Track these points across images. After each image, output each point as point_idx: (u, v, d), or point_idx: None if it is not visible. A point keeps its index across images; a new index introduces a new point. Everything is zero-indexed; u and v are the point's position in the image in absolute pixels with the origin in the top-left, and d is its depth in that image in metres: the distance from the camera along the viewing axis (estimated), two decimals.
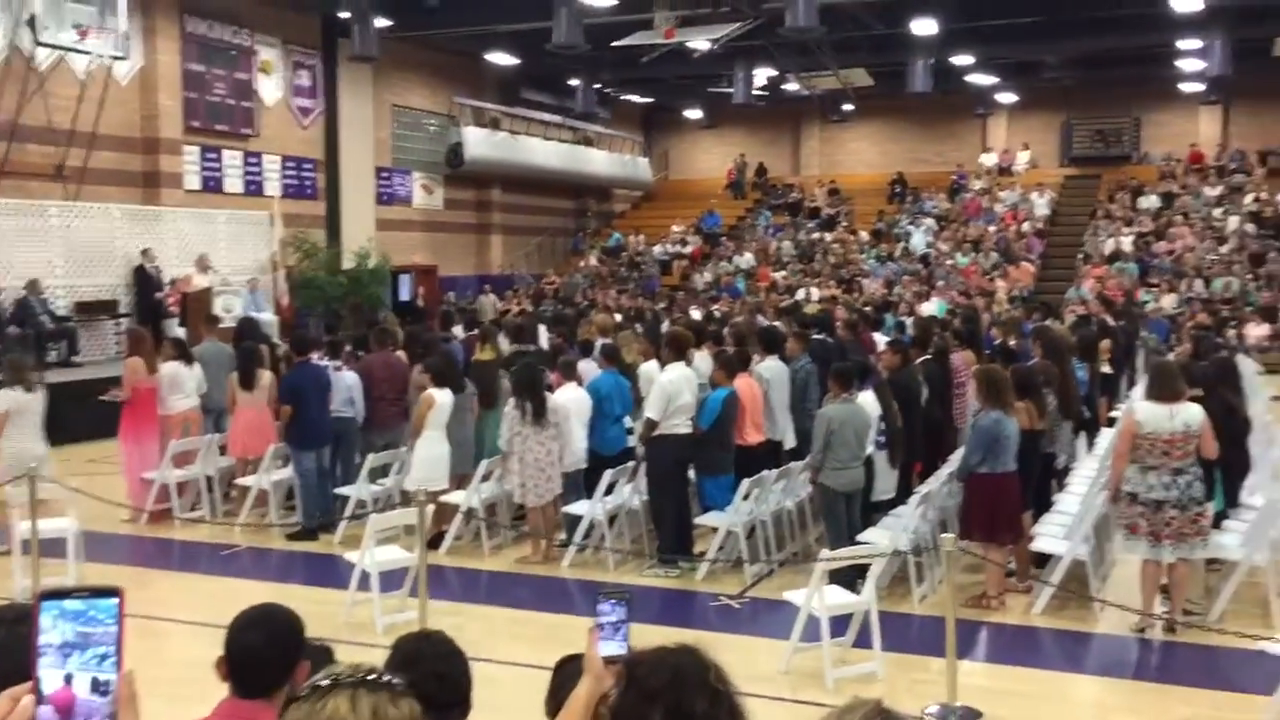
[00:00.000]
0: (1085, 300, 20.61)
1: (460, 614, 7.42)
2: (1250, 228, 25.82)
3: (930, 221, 28.68)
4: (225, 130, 20.23)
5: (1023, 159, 31.34)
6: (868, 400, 8.19)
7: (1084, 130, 31.60)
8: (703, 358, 9.82)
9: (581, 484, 9.19)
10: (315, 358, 10.04)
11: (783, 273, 27.17)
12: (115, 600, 1.27)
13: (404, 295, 23.95)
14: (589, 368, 10.18)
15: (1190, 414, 6.88)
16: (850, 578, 6.96)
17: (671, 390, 8.43)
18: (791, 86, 28.76)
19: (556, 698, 2.60)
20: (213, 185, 19.94)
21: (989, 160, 31.62)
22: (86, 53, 16.37)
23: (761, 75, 26.74)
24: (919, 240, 27.68)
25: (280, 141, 21.51)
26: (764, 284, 26.32)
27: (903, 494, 8.46)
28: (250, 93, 20.79)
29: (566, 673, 2.60)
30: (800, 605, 6.36)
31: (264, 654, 2.74)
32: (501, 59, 25.26)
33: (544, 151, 28.44)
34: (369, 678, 1.61)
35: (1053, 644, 7.11)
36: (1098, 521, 7.79)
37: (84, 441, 12.63)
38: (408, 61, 24.48)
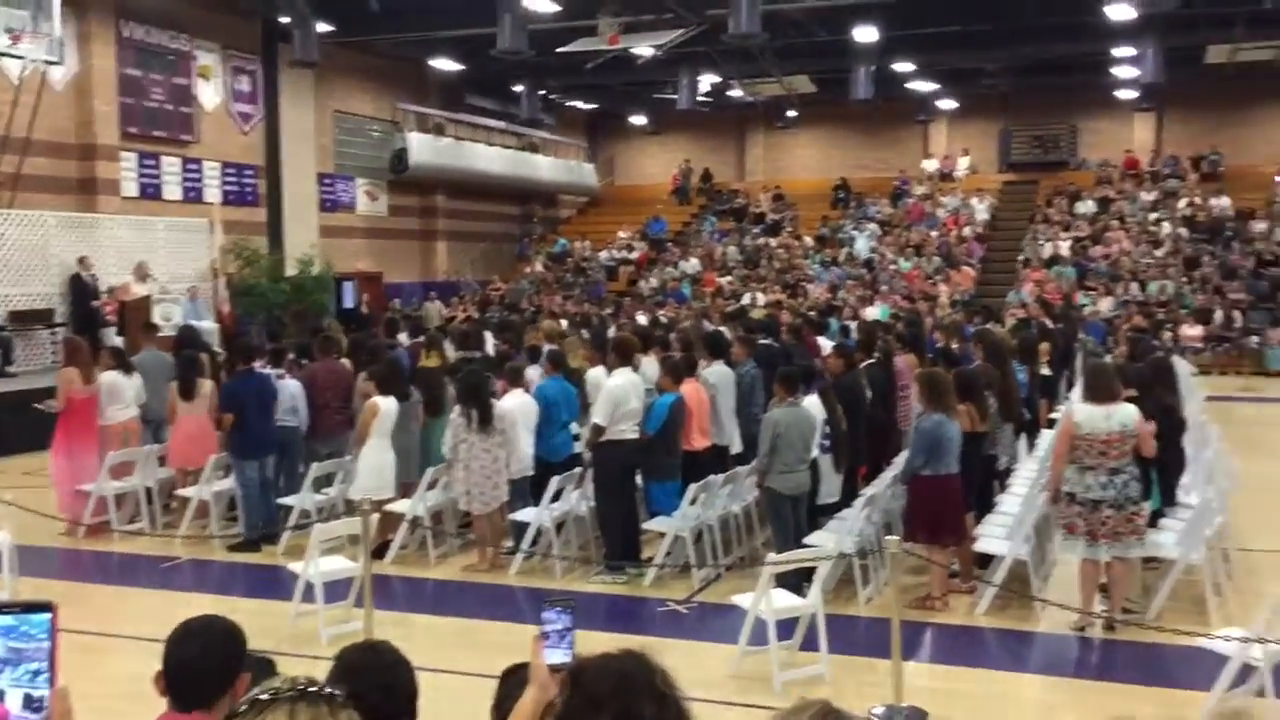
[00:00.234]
0: (1025, 303, 20.90)
1: (406, 624, 7.37)
2: (1184, 232, 26.39)
3: (873, 227, 28.97)
4: (164, 136, 19.93)
5: (963, 165, 31.75)
6: (813, 404, 8.25)
7: (1022, 137, 32.08)
8: (649, 363, 9.83)
9: (528, 491, 9.15)
10: (258, 366, 9.93)
11: (728, 278, 27.29)
12: (48, 615, 1.25)
13: (348, 302, 23.81)
14: (536, 374, 10.16)
15: (1126, 414, 7.01)
16: (797, 581, 7.00)
17: (618, 396, 8.44)
18: (736, 93, 28.96)
19: (502, 707, 2.59)
20: (151, 192, 19.65)
21: (930, 166, 32.02)
22: (20, 57, 16.03)
23: (706, 81, 26.88)
24: (862, 245, 27.93)
25: (220, 147, 21.22)
26: (710, 289, 26.44)
27: (848, 497, 8.52)
28: (189, 98, 20.50)
29: (512, 682, 2.59)
30: (748, 609, 6.39)
31: (201, 666, 2.66)
32: (445, 65, 25.15)
33: (489, 157, 28.37)
34: (309, 690, 1.59)
35: (996, 644, 7.19)
36: (1038, 522, 7.89)
37: (19, 454, 12.38)
38: (350, 67, 24.29)
